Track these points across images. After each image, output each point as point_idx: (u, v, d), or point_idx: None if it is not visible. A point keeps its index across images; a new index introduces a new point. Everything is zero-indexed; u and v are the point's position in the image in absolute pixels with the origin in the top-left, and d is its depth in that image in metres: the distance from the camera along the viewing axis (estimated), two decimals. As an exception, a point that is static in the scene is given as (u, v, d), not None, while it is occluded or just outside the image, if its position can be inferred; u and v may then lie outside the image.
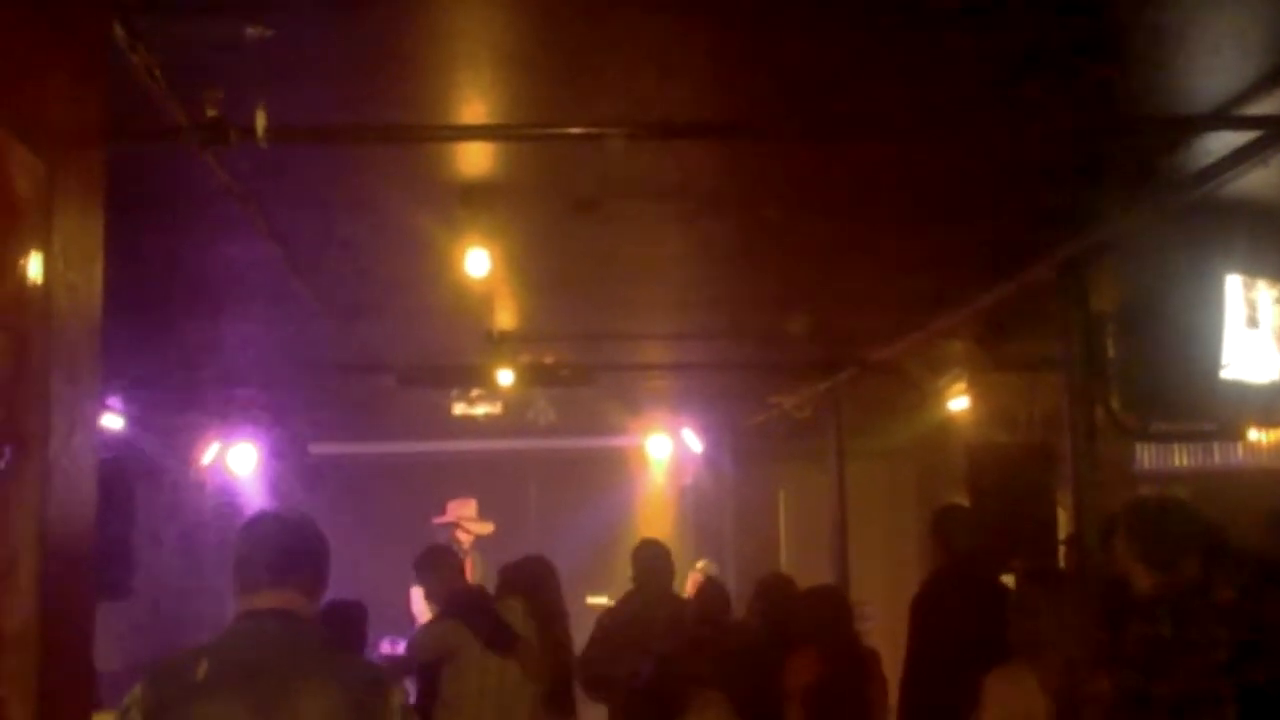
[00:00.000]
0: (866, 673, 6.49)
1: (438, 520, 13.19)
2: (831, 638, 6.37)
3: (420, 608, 10.75)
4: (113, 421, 9.96)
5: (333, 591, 3.81)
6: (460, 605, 7.22)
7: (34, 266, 2.12)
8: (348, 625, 6.10)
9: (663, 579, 7.86)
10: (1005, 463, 8.40)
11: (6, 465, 2.01)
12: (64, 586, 2.26)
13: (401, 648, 9.51)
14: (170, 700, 3.34)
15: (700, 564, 13.04)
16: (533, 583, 7.41)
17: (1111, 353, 5.98)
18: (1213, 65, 4.41)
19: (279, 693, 3.35)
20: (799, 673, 6.16)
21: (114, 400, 9.80)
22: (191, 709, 3.32)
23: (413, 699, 6.09)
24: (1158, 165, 5.17)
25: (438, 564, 7.62)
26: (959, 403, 9.82)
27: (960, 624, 6.57)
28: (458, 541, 11.81)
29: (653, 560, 7.89)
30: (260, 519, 3.85)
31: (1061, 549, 7.42)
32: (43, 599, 2.15)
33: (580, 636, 7.78)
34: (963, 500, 9.15)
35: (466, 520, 13.25)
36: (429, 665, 7.10)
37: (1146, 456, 8.53)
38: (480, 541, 12.20)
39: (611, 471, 14.78)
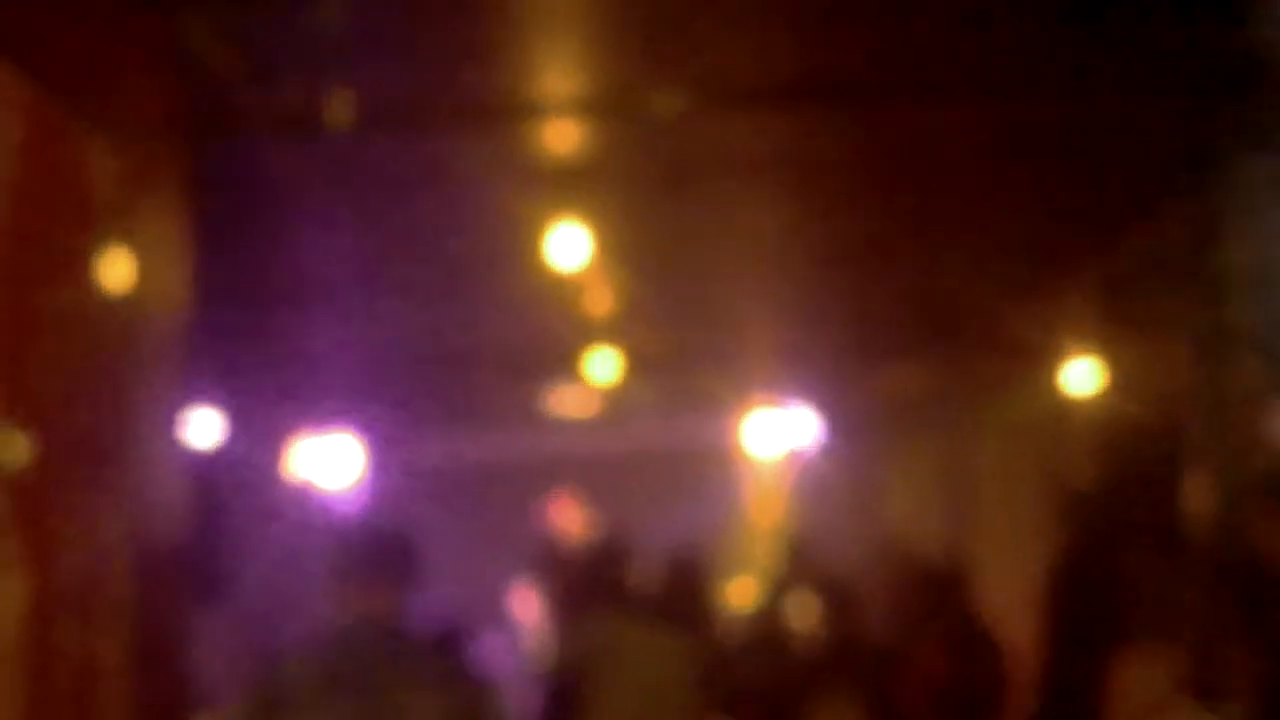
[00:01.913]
0: (991, 665, 6.44)
1: (542, 525, 13.24)
2: (952, 628, 6.32)
3: (525, 609, 10.80)
4: (203, 422, 10.09)
5: (431, 593, 3.86)
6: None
7: (115, 267, 2.14)
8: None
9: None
10: (1135, 436, 8.27)
11: (92, 474, 2.04)
12: (159, 596, 2.29)
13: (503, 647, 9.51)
14: (270, 709, 3.39)
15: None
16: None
17: (1248, 316, 5.86)
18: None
19: (380, 700, 3.39)
20: (922, 663, 6.13)
21: (204, 400, 9.94)
22: (296, 713, 3.37)
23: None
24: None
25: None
26: (1082, 373, 9.66)
27: (1092, 606, 6.49)
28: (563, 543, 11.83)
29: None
30: (355, 524, 3.91)
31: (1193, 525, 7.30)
32: (138, 609, 2.17)
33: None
34: (1088, 477, 9.04)
35: (572, 522, 13.28)
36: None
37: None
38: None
39: (718, 459, 14.73)
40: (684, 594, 6.99)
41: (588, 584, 7.00)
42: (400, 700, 3.40)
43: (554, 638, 7.30)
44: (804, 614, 7.42)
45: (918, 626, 6.43)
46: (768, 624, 9.15)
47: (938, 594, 6.84)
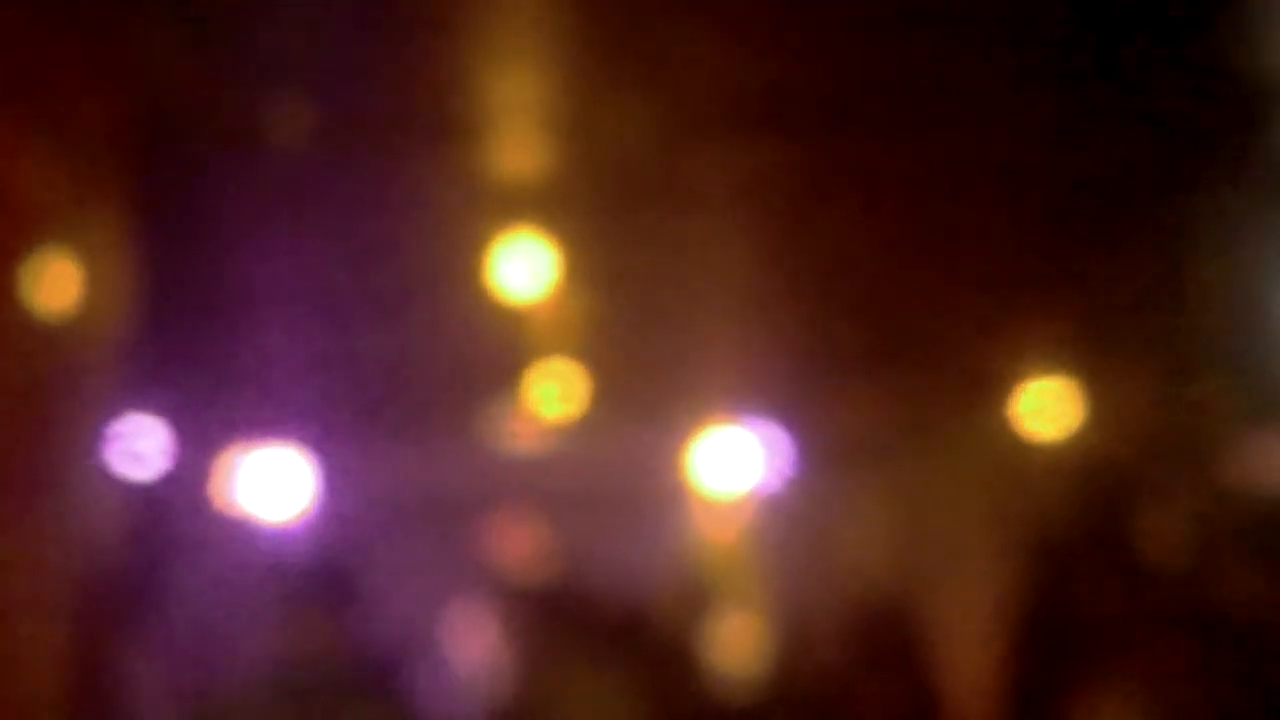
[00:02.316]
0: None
1: (487, 564, 13.18)
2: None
3: (471, 640, 10.73)
4: (148, 437, 9.96)
5: (374, 620, 3.87)
6: None
7: (57, 279, 2.07)
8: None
9: None
10: (1099, 467, 8.29)
11: (26, 497, 1.97)
12: (92, 615, 2.23)
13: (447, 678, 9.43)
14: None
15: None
16: None
17: (1217, 343, 5.90)
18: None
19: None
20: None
21: (148, 416, 9.82)
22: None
23: None
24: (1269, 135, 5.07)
25: None
26: (1049, 401, 9.66)
27: (1051, 641, 6.49)
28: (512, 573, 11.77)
29: None
30: (299, 555, 3.93)
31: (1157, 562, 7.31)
32: (73, 634, 2.11)
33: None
34: (1052, 509, 9.04)
35: (517, 558, 13.23)
36: None
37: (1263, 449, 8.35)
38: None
39: (672, 487, 14.71)
40: (634, 627, 6.92)
41: (538, 616, 6.98)
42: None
43: (500, 670, 7.18)
44: (756, 647, 7.38)
45: (866, 667, 6.41)
46: (718, 657, 9.07)
47: (887, 637, 6.84)
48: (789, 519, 13.81)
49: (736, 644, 7.95)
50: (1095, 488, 8.10)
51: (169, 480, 10.58)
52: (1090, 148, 5.26)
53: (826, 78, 4.45)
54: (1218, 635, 5.03)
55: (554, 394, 9.11)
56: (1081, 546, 7.64)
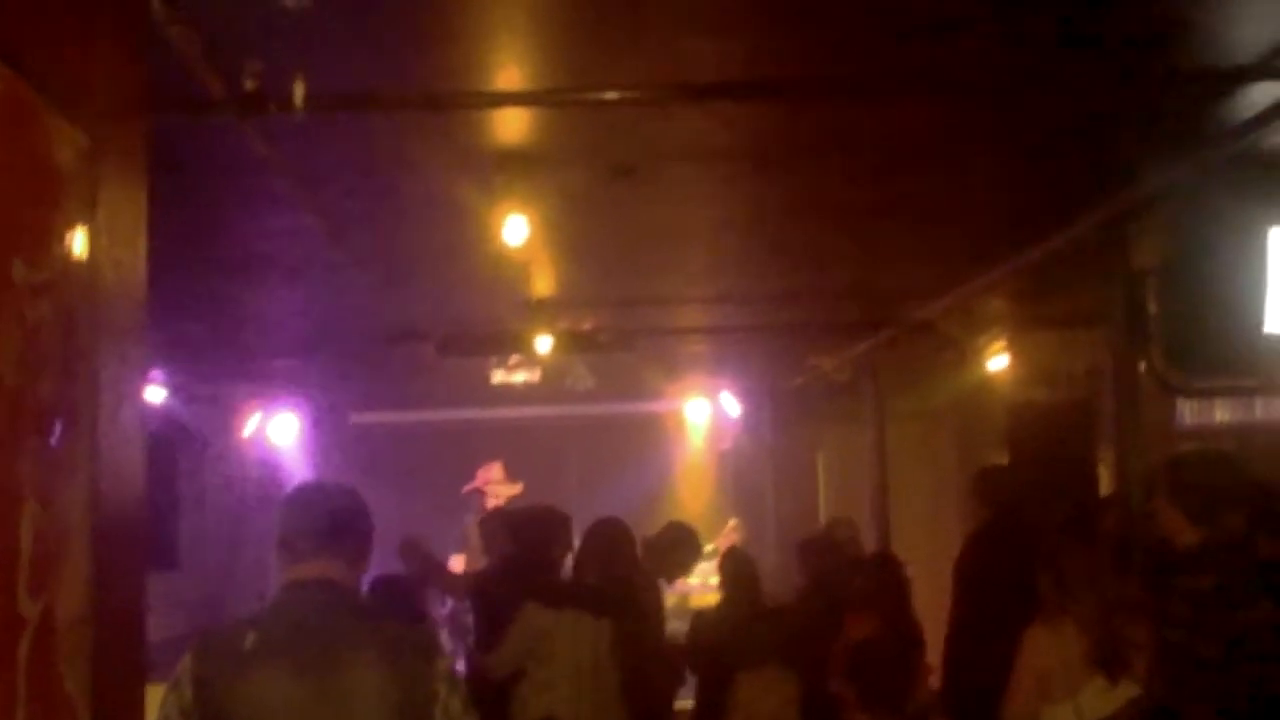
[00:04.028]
0: (914, 638, 6.48)
1: (466, 488, 13.25)
2: (887, 604, 6.35)
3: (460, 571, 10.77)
4: (154, 393, 9.99)
5: (374, 561, 3.80)
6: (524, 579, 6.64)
7: (78, 241, 2.10)
8: (395, 599, 6.00)
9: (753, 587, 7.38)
10: (1046, 421, 8.37)
11: (55, 442, 2.00)
12: (116, 562, 2.25)
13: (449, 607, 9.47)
14: (219, 671, 3.35)
15: (731, 523, 13.09)
16: (543, 535, 6.89)
17: (1154, 309, 5.93)
18: (1257, 15, 4.34)
19: (327, 662, 3.35)
20: (854, 635, 6.16)
21: (156, 371, 9.84)
22: (241, 680, 3.33)
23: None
24: (1201, 119, 5.09)
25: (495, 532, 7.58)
26: (999, 361, 9.75)
27: (1003, 582, 6.55)
28: (487, 507, 11.83)
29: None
30: (304, 490, 3.87)
31: (1102, 506, 7.39)
32: (96, 575, 2.14)
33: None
34: (1003, 460, 9.13)
35: (494, 484, 13.30)
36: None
37: (1188, 412, 8.45)
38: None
39: (650, 437, 14.79)
40: (613, 570, 6.79)
41: (521, 557, 6.92)
42: (345, 659, 3.36)
43: (487, 606, 7.09)
44: (733, 584, 7.41)
45: (854, 600, 6.44)
46: (698, 596, 9.11)
47: (873, 569, 6.87)
48: (762, 465, 13.93)
49: (715, 578, 7.88)
50: (1045, 436, 8.19)
51: (178, 423, 10.61)
52: (1045, 129, 5.29)
53: (805, 48, 4.45)
54: (1156, 571, 5.08)
55: (546, 346, 9.10)
56: (1033, 489, 7.71)
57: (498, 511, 8.79)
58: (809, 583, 7.53)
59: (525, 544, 6.91)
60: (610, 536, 6.87)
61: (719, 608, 7.46)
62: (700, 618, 7.51)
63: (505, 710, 6.18)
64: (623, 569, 6.73)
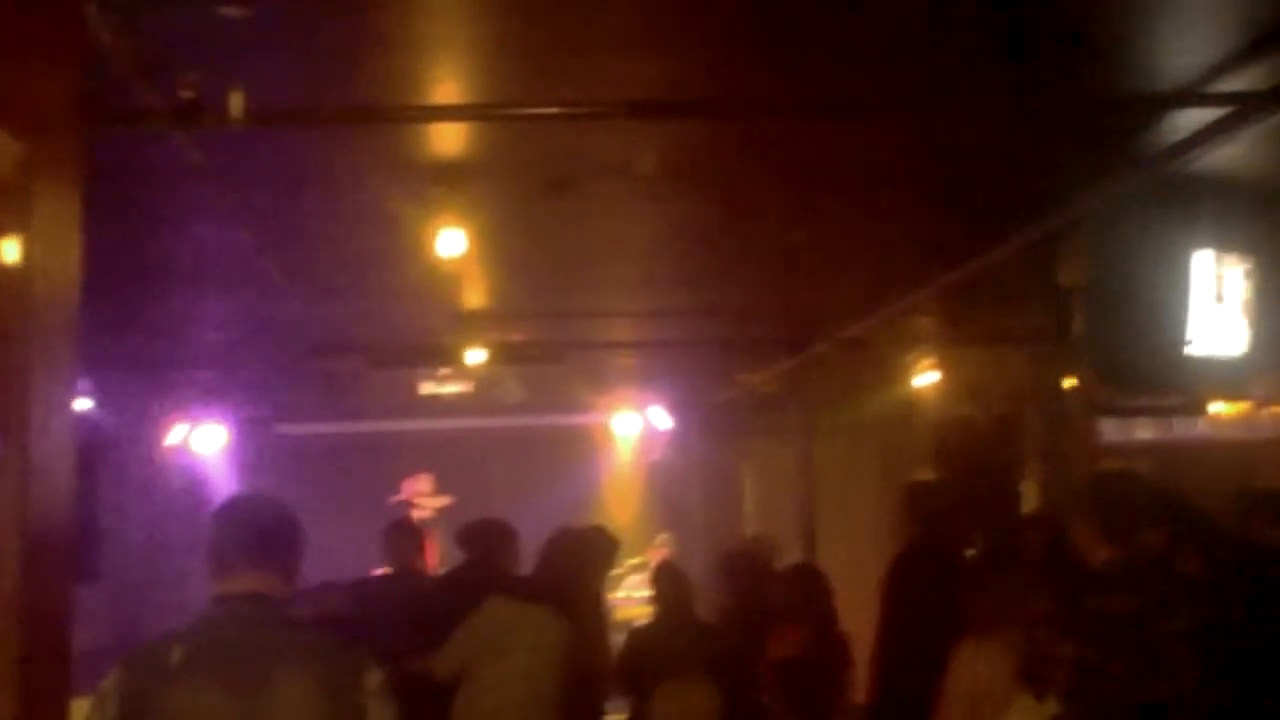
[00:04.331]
0: (841, 651, 6.50)
1: (393, 500, 13.20)
2: (814, 616, 6.37)
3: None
4: (79, 402, 9.85)
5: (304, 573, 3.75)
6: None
7: (12, 250, 2.08)
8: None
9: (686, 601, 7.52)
10: (971, 437, 8.42)
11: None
12: (44, 573, 2.23)
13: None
14: (146, 686, 3.29)
15: (660, 538, 13.10)
16: (491, 545, 7.03)
17: (1079, 328, 6.00)
18: (1182, 43, 4.41)
19: (255, 676, 3.31)
20: (780, 648, 6.16)
21: (80, 381, 9.70)
22: (167, 695, 3.27)
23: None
24: (1127, 142, 5.17)
25: (395, 541, 7.55)
26: (925, 378, 9.82)
27: (929, 598, 6.57)
28: (415, 519, 11.76)
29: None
30: (235, 503, 3.81)
31: (1026, 523, 7.45)
32: (23, 586, 2.11)
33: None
34: (929, 475, 9.18)
35: (421, 496, 13.27)
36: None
37: (1110, 429, 8.56)
38: (446, 518, 12.19)
39: (579, 449, 14.77)
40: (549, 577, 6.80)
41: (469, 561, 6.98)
42: (274, 673, 3.32)
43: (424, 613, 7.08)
44: (665, 599, 7.39)
45: (777, 612, 6.45)
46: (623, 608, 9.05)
47: (798, 580, 6.88)
48: (690, 479, 13.95)
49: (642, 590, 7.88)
50: (971, 452, 8.25)
51: (102, 433, 10.47)
52: (978, 151, 5.35)
53: (741, 67, 4.48)
54: (1074, 586, 5.13)
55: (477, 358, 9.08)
56: (959, 505, 7.75)
57: (398, 522, 8.71)
58: (733, 595, 7.54)
59: (477, 554, 6.99)
60: (575, 550, 6.92)
61: (653, 622, 7.45)
62: (635, 635, 7.51)
63: (444, 715, 6.16)
64: (588, 580, 6.81)
